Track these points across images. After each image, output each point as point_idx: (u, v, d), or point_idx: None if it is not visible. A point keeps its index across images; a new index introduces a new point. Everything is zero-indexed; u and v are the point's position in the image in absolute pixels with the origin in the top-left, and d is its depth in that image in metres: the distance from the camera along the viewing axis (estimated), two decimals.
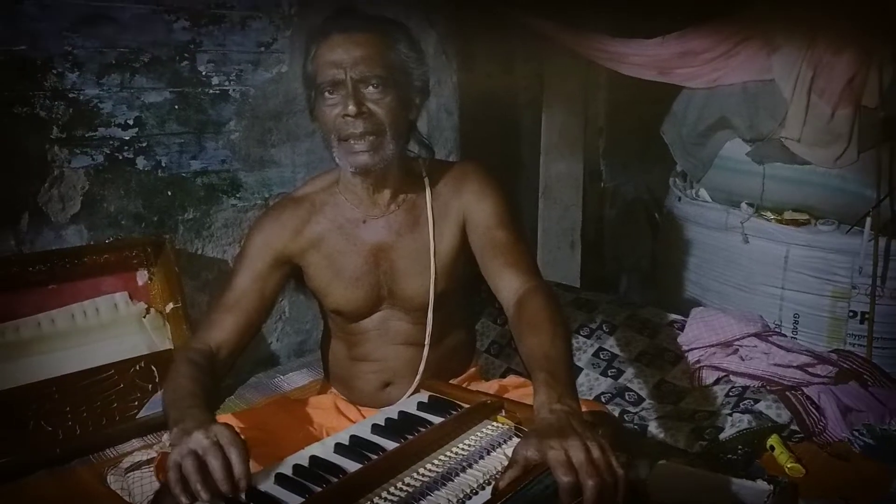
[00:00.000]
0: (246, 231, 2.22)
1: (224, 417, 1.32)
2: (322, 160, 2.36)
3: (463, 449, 1.10)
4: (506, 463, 1.06)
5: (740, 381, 1.85)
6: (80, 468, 1.75)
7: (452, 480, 1.03)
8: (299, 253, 1.42)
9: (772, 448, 1.66)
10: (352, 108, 1.25)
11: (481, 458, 1.09)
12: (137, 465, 1.62)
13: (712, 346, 1.96)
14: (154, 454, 1.67)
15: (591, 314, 2.16)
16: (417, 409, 1.25)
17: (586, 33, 2.79)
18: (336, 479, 1.02)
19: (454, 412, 1.21)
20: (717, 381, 1.89)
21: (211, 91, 2.10)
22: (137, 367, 1.96)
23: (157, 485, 1.36)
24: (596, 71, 3.28)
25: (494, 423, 1.18)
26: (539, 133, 3.36)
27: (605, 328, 2.11)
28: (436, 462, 1.06)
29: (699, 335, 1.98)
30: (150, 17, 1.95)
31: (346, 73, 1.26)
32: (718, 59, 2.62)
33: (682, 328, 2.10)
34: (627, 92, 3.27)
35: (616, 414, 1.84)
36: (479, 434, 1.15)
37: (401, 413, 1.23)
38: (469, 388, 1.51)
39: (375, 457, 1.07)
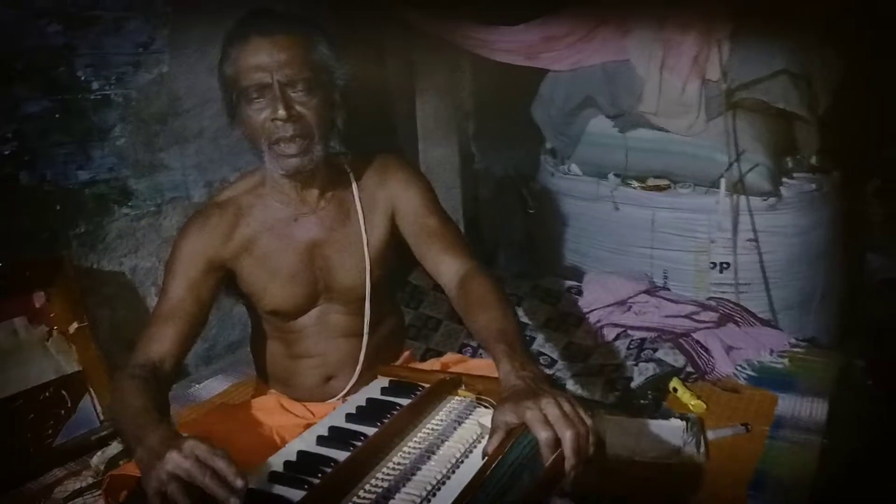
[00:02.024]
0: (141, 240, 2.15)
1: None
2: (212, 161, 2.33)
3: (437, 424, 1.18)
4: (479, 431, 1.16)
5: (638, 335, 2.07)
6: None
7: (436, 454, 1.10)
8: (231, 257, 1.42)
9: (674, 390, 1.88)
10: (282, 113, 1.26)
11: (454, 429, 1.17)
12: (78, 493, 1.55)
13: (609, 305, 2.16)
14: (91, 480, 1.61)
15: None
16: (382, 394, 1.31)
17: (455, 22, 2.91)
18: (330, 469, 1.06)
19: (418, 392, 1.29)
20: (617, 337, 2.09)
21: (92, 97, 2.00)
22: (47, 394, 1.85)
23: None
24: (460, 57, 3.41)
25: (457, 397, 1.27)
26: (414, 121, 3.45)
27: (512, 299, 2.26)
28: (416, 440, 1.13)
29: (598, 297, 2.18)
30: (18, 21, 1.82)
31: (273, 77, 1.26)
32: (578, 42, 2.83)
33: (578, 293, 2.28)
34: (490, 76, 3.43)
35: None
36: (446, 409, 1.23)
37: (368, 400, 1.28)
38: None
39: (359, 443, 1.13)
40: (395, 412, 1.22)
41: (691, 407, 1.82)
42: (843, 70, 2.65)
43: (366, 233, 1.45)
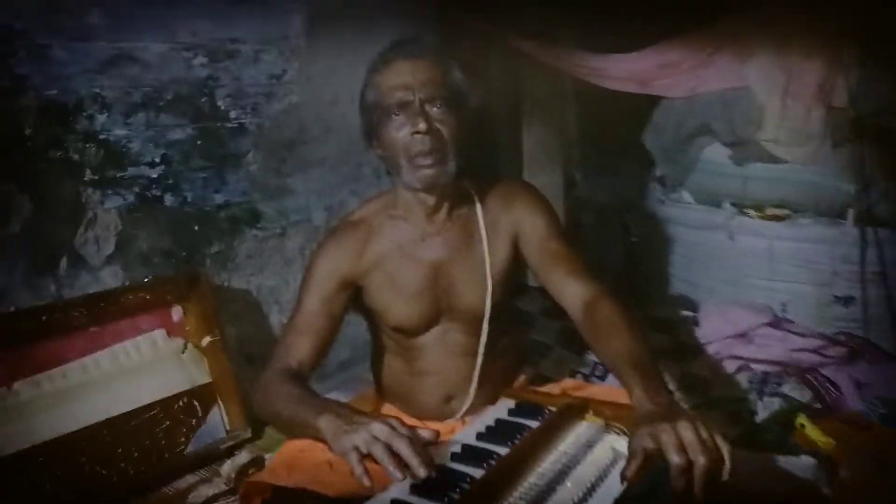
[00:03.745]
0: (267, 260, 2.26)
1: (291, 444, 1.37)
2: (332, 186, 2.42)
3: (568, 448, 1.18)
4: (612, 456, 1.15)
5: (761, 368, 1.99)
6: None
7: (570, 476, 1.11)
8: (362, 274, 1.48)
9: (802, 426, 1.80)
10: (422, 126, 1.33)
11: (586, 454, 1.17)
12: (213, 498, 1.63)
13: (729, 337, 2.09)
14: (224, 486, 1.69)
15: None
16: (510, 415, 1.32)
17: (567, 51, 2.93)
18: (467, 485, 1.08)
19: (546, 415, 1.29)
20: (738, 370, 2.02)
21: (229, 125, 2.13)
22: (181, 403, 1.96)
23: None
24: (566, 84, 3.42)
25: (585, 423, 1.27)
26: (517, 147, 3.48)
27: None
28: (550, 462, 1.14)
29: (717, 328, 2.12)
30: (170, 54, 1.97)
31: (415, 94, 1.35)
32: (695, 69, 2.78)
33: (695, 322, 2.22)
34: (597, 103, 3.42)
35: None
36: (576, 433, 1.23)
37: (497, 420, 1.30)
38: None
39: (493, 461, 1.14)
40: (524, 433, 1.23)
41: (820, 443, 1.73)
42: None
43: (489, 255, 1.48)
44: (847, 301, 2.54)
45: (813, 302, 2.65)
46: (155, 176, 1.97)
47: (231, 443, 1.96)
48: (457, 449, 1.19)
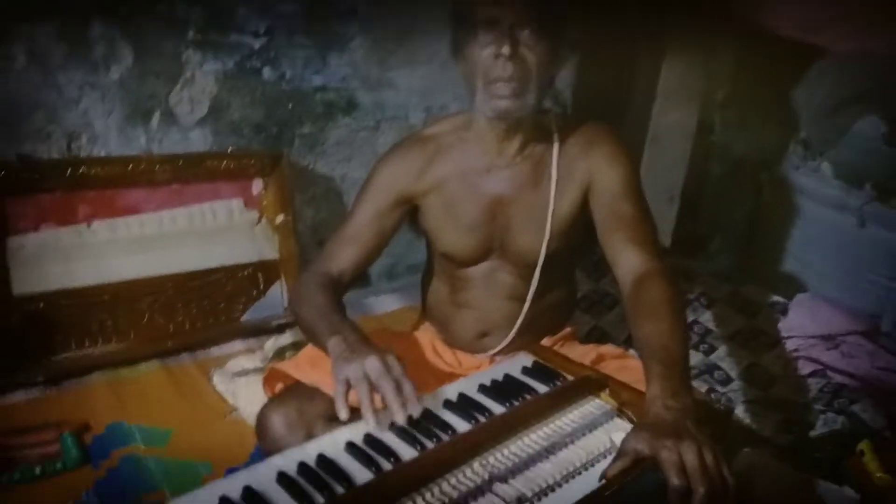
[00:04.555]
0: (356, 151, 2.25)
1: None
2: (435, 87, 2.35)
3: (567, 423, 1.12)
4: (608, 446, 1.09)
5: (837, 378, 1.81)
6: (187, 362, 1.87)
7: (556, 455, 1.05)
8: (420, 194, 1.43)
9: (861, 453, 1.64)
10: (506, 49, 1.21)
11: (584, 435, 1.11)
12: (245, 372, 1.72)
13: (813, 337, 1.91)
14: (259, 363, 1.77)
15: (689, 284, 2.12)
16: (522, 374, 1.27)
17: None
18: (447, 436, 1.06)
19: (558, 382, 1.23)
20: (812, 374, 1.86)
21: (340, 6, 2.08)
22: (245, 273, 2.05)
23: (261, 394, 1.43)
24: (721, 24, 3.08)
25: (597, 401, 1.20)
26: (652, 78, 3.22)
27: (702, 301, 2.08)
28: (541, 434, 1.09)
29: (802, 324, 1.93)
30: None
31: (505, 13, 1.22)
32: (867, 28, 2.42)
33: (783, 311, 2.04)
34: (752, 46, 3.08)
35: (703, 391, 1.83)
36: (582, 410, 1.16)
37: (506, 376, 1.25)
38: (565, 349, 1.53)
39: (483, 418, 1.11)
40: (528, 396, 1.18)
41: (875, 479, 1.57)
42: None
43: (554, 200, 1.39)
44: None
45: None
46: (257, 47, 1.97)
47: (283, 321, 2.03)
48: (453, 397, 1.17)
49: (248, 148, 2.03)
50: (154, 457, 1.54)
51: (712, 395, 1.83)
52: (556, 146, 1.40)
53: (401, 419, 1.03)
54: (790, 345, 1.94)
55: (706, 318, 2.04)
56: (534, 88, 1.27)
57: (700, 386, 1.85)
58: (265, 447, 1.25)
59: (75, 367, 1.76)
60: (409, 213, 1.47)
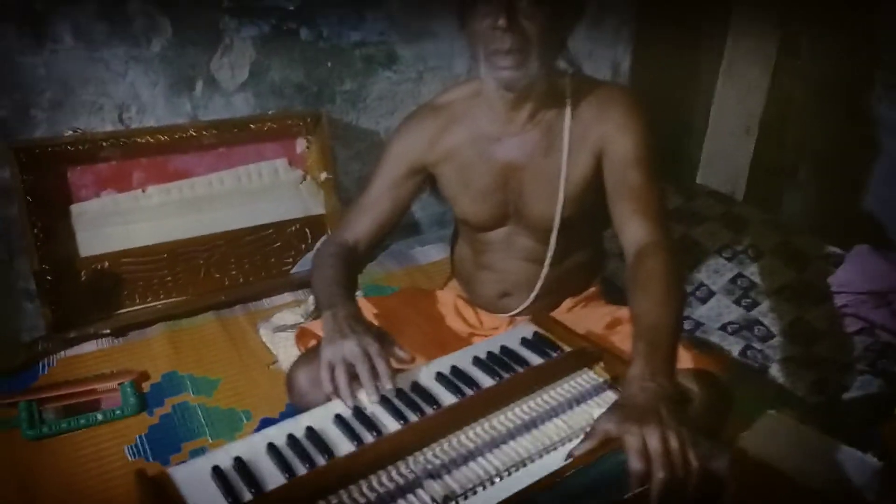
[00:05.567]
0: (399, 104, 2.27)
1: (361, 302, 1.45)
2: None
3: (554, 396, 1.15)
4: (593, 418, 1.11)
5: (885, 338, 1.73)
6: (240, 315, 2.02)
7: (537, 428, 1.09)
8: (434, 163, 1.45)
9: None
10: (502, 22, 1.19)
11: (570, 408, 1.14)
12: (283, 328, 1.84)
13: (863, 293, 1.81)
14: (300, 318, 1.88)
15: (738, 235, 2.04)
16: (520, 345, 1.30)
17: None
18: (433, 409, 1.11)
19: (554, 355, 1.26)
20: (859, 332, 1.77)
21: None
22: (293, 228, 2.15)
23: (296, 349, 1.53)
24: None
25: (591, 374, 1.22)
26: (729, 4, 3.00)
27: (750, 253, 2.00)
28: (525, 408, 1.12)
29: (851, 280, 1.83)
30: None
31: None
32: None
33: (837, 264, 1.94)
34: None
35: (739, 348, 1.80)
36: (573, 382, 1.19)
37: (502, 348, 1.29)
38: (587, 310, 1.55)
39: (471, 391, 1.16)
40: (520, 369, 1.21)
41: None
42: None
43: (567, 166, 1.38)
44: None
45: None
46: (292, 8, 2.00)
47: None
48: (445, 370, 1.22)
49: (290, 109, 2.09)
50: (201, 404, 1.69)
51: (748, 353, 1.79)
52: (568, 111, 1.37)
53: (374, 398, 1.10)
54: (839, 300, 1.85)
55: (752, 271, 1.97)
56: (536, 58, 1.24)
57: (737, 343, 1.82)
58: (292, 402, 1.34)
59: (138, 321, 1.94)
60: (428, 180, 1.50)
